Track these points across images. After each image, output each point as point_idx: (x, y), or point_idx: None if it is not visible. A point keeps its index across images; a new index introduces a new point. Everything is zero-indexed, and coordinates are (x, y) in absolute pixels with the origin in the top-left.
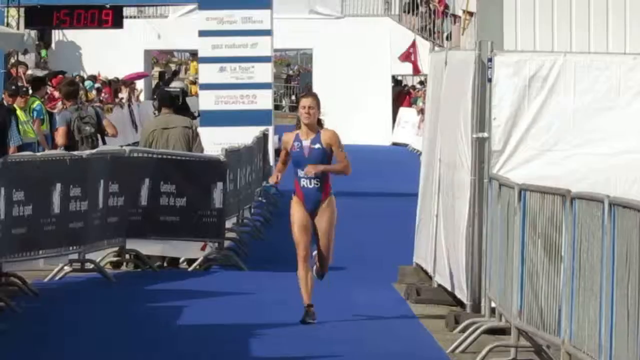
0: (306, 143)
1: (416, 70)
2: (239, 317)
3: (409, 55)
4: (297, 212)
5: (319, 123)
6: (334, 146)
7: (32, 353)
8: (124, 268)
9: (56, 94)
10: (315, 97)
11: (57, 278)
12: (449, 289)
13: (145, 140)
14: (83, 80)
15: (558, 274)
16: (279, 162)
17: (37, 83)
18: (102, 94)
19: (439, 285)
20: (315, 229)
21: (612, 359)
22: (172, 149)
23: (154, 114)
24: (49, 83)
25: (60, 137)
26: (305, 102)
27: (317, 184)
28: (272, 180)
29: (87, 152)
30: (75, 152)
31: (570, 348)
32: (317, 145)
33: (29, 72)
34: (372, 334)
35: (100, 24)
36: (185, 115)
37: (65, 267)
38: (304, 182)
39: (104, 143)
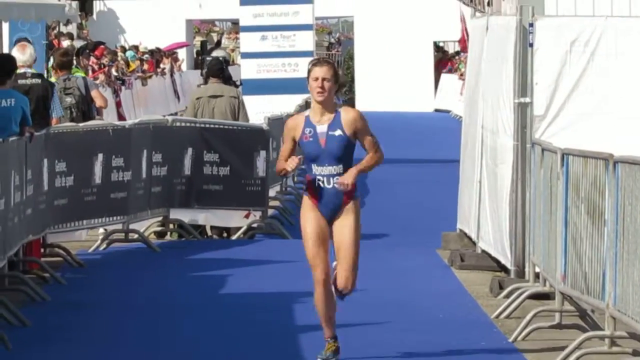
0: (322, 128)
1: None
2: (283, 285)
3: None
4: (311, 221)
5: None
6: (360, 131)
7: (77, 323)
8: (168, 238)
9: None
10: (331, 65)
11: (101, 249)
12: (493, 254)
13: (192, 107)
14: (124, 50)
15: (602, 238)
16: (279, 160)
17: (79, 54)
18: (144, 64)
19: (483, 251)
20: (334, 237)
21: None
22: (219, 118)
23: (199, 85)
24: (91, 54)
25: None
26: (317, 72)
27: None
28: (288, 166)
29: (130, 122)
30: (118, 122)
31: (615, 312)
32: (338, 132)
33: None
34: (417, 300)
35: None
36: (228, 84)
37: (109, 238)
38: (320, 181)
39: (91, 114)
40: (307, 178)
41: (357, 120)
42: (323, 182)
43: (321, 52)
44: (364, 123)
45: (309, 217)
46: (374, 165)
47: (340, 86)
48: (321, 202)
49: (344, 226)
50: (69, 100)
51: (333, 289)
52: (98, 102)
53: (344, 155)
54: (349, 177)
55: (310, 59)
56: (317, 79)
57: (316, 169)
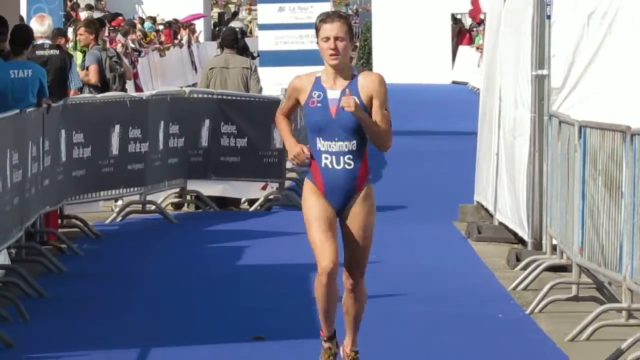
0: (333, 94)
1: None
2: (300, 256)
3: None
4: (315, 205)
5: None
6: (376, 99)
7: (93, 294)
8: (185, 209)
9: (118, 35)
10: (343, 20)
11: (118, 220)
12: (510, 226)
13: (204, 77)
14: (142, 21)
15: (619, 211)
16: (282, 117)
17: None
18: (161, 36)
19: (500, 223)
20: (343, 232)
21: None
22: (230, 89)
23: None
24: (108, 25)
25: (93, 75)
26: (327, 29)
27: (349, 162)
28: (299, 156)
29: (147, 93)
30: (135, 94)
31: (632, 284)
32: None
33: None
34: (434, 271)
35: None
36: (244, 55)
37: (127, 209)
38: (326, 160)
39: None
40: (311, 160)
41: (377, 83)
42: (331, 161)
43: None
44: (383, 91)
45: (313, 201)
46: (378, 131)
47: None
48: (328, 187)
49: (356, 217)
50: (118, 68)
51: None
52: (128, 75)
53: (359, 129)
54: (357, 105)
55: None
56: (328, 38)
57: (322, 145)
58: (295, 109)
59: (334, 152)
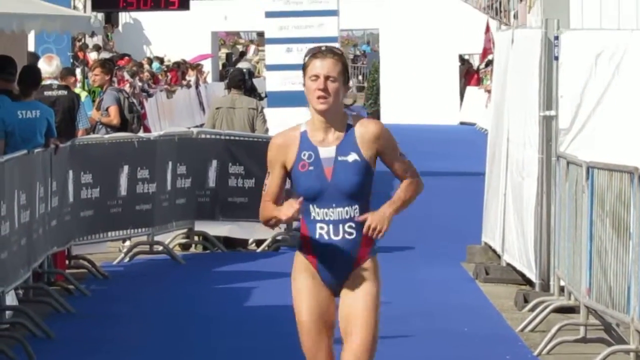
0: (327, 152)
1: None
2: None
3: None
4: (308, 298)
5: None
6: (386, 152)
7: (101, 335)
8: (192, 250)
9: (126, 75)
10: (338, 57)
11: (125, 261)
12: (518, 267)
13: (211, 117)
14: (150, 62)
15: (627, 252)
16: (266, 202)
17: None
18: (168, 76)
19: (508, 264)
20: (341, 316)
21: None
22: (237, 129)
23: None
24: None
25: (114, 116)
26: (317, 66)
27: (350, 231)
28: (283, 213)
29: (155, 134)
30: (143, 134)
31: None
32: (352, 156)
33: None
34: (442, 312)
35: (166, 6)
36: (252, 96)
37: (134, 250)
38: (322, 230)
39: None
40: (302, 227)
41: (380, 136)
42: (328, 232)
43: None
44: (391, 139)
45: (305, 289)
46: (413, 197)
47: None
48: (324, 263)
49: (359, 296)
50: (137, 108)
51: None
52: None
53: (361, 191)
54: (384, 221)
55: None
56: (317, 77)
57: (318, 213)
58: (283, 185)
59: (332, 221)
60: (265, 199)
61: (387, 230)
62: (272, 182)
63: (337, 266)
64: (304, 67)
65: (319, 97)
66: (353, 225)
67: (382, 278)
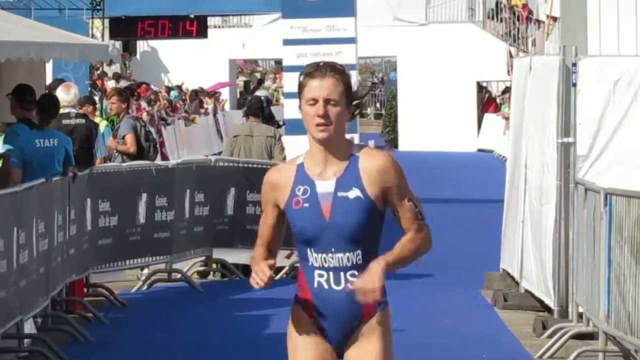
0: (325, 186)
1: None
2: None
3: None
4: (303, 346)
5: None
6: (392, 189)
7: None
8: (210, 277)
9: (143, 103)
10: (340, 76)
11: (144, 288)
12: (536, 294)
13: (229, 145)
14: (169, 90)
15: None
16: (258, 245)
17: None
18: (186, 104)
19: (526, 291)
20: None
21: None
22: (254, 157)
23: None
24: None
25: (131, 143)
26: (316, 88)
27: (354, 279)
28: (255, 280)
29: (173, 162)
30: (161, 162)
31: None
32: (354, 192)
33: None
34: (461, 339)
35: (184, 35)
36: (270, 124)
37: (152, 277)
38: (321, 278)
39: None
40: (299, 275)
41: (388, 170)
42: (328, 281)
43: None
44: (399, 177)
45: (302, 349)
46: (413, 255)
47: (357, 106)
48: (325, 317)
49: (367, 357)
50: (153, 137)
51: None
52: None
53: (365, 234)
54: (373, 278)
55: None
56: (315, 100)
57: (315, 259)
58: (279, 227)
59: (332, 268)
60: (259, 243)
61: (379, 288)
62: (264, 222)
63: (341, 321)
64: (299, 88)
65: (318, 125)
66: (356, 273)
67: (393, 333)
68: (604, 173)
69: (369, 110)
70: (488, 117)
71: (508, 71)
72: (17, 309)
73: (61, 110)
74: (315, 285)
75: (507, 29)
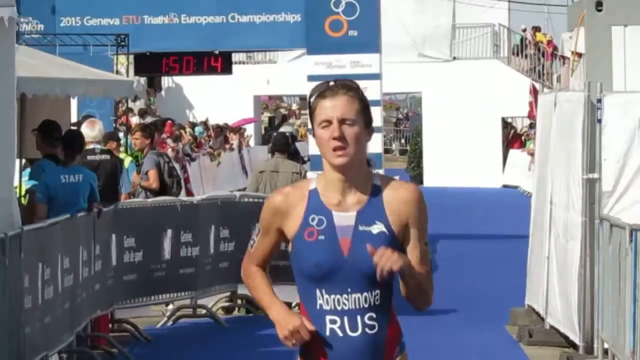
0: (344, 219)
1: (531, 114)
2: None
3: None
4: None
5: (369, 164)
6: (414, 227)
7: None
8: (235, 313)
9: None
10: (355, 93)
11: (169, 324)
12: (562, 330)
13: (254, 180)
14: (193, 126)
15: None
16: (250, 264)
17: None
18: (211, 140)
19: (551, 327)
20: None
21: None
22: None
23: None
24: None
25: (153, 179)
26: (329, 109)
27: (371, 323)
28: (296, 335)
29: (198, 197)
30: (186, 198)
31: None
32: (377, 226)
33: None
34: None
35: (209, 71)
36: (295, 160)
37: (177, 313)
38: (334, 325)
39: None
40: (304, 323)
41: (415, 203)
42: (342, 327)
43: (389, 127)
44: (424, 213)
45: None
46: (422, 283)
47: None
48: None
49: None
50: (176, 173)
51: None
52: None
53: (388, 272)
54: (394, 257)
55: (378, 134)
56: (328, 122)
57: (326, 301)
58: (276, 249)
59: (347, 312)
60: (252, 261)
61: (398, 266)
62: (263, 244)
63: None
64: (310, 111)
65: (335, 149)
66: (374, 316)
67: None
68: (629, 209)
69: (393, 146)
70: (513, 153)
71: (529, 113)
72: (43, 345)
73: (86, 146)
74: (327, 333)
75: (532, 65)
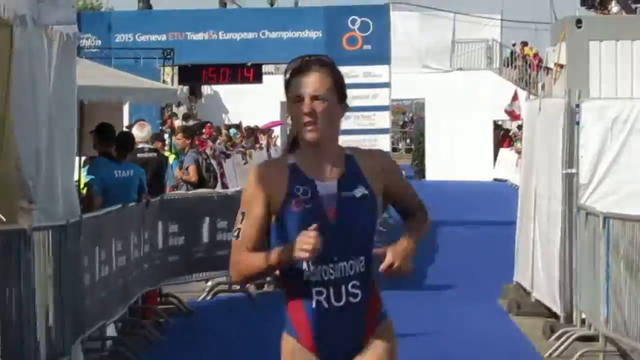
0: (326, 188)
1: (514, 118)
2: None
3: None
4: None
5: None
6: (393, 180)
7: None
8: (265, 288)
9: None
10: (327, 70)
11: (208, 298)
12: (545, 303)
13: None
14: (228, 128)
15: (638, 289)
16: (239, 252)
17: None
18: (244, 140)
19: (537, 300)
20: None
21: None
22: None
23: None
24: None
25: (193, 174)
26: (300, 84)
27: (354, 292)
28: (304, 252)
29: (232, 189)
30: (221, 190)
31: None
32: (360, 190)
33: (177, 122)
34: (480, 341)
35: (242, 80)
36: None
37: (215, 289)
38: (320, 297)
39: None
40: (288, 297)
41: (389, 162)
42: (328, 298)
43: (396, 129)
44: (393, 163)
45: None
46: (425, 230)
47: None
48: (324, 344)
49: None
50: (213, 168)
51: None
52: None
53: (372, 236)
54: (406, 254)
55: (387, 135)
56: (300, 98)
57: (313, 273)
58: (264, 229)
59: (332, 282)
60: (240, 249)
61: (408, 272)
62: (250, 224)
63: (341, 343)
64: (285, 87)
65: (307, 124)
66: (358, 284)
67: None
68: (603, 199)
69: (400, 145)
70: (503, 151)
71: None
72: (100, 316)
73: (136, 146)
74: (314, 306)
75: (520, 75)
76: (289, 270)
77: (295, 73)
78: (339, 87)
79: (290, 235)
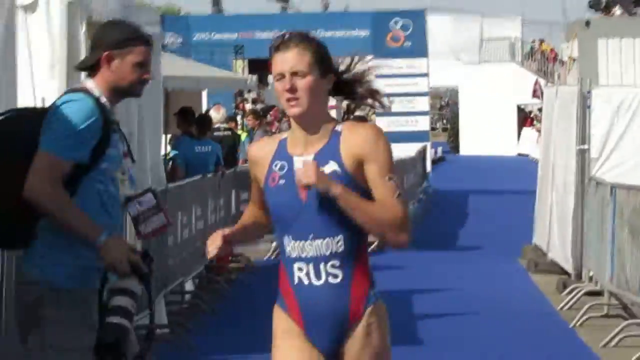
0: (301, 163)
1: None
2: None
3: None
4: (288, 354)
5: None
6: (372, 163)
7: (251, 310)
8: None
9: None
10: (307, 45)
11: (272, 257)
12: (559, 262)
13: None
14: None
15: None
16: (245, 211)
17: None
18: None
19: (552, 260)
20: None
21: None
22: None
23: None
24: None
25: None
26: (278, 63)
27: (334, 272)
28: (210, 249)
29: None
30: None
31: None
32: (330, 166)
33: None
34: (501, 295)
35: None
36: None
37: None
38: (300, 272)
39: None
40: (280, 270)
41: (368, 139)
42: (308, 275)
43: (434, 111)
44: (383, 149)
45: (285, 347)
46: (375, 216)
47: (352, 83)
48: (309, 320)
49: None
50: None
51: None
52: None
53: (347, 215)
54: (312, 169)
55: (426, 116)
56: (281, 75)
57: (293, 248)
58: (261, 202)
59: (310, 259)
60: (249, 204)
61: (319, 180)
62: (254, 190)
63: (326, 323)
64: (270, 65)
65: (288, 100)
66: (338, 263)
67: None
68: (610, 171)
69: (437, 125)
70: (525, 130)
71: (534, 93)
72: (180, 272)
73: (213, 125)
74: (296, 281)
75: (539, 67)
76: (280, 244)
77: (275, 50)
78: (320, 61)
79: (271, 210)
